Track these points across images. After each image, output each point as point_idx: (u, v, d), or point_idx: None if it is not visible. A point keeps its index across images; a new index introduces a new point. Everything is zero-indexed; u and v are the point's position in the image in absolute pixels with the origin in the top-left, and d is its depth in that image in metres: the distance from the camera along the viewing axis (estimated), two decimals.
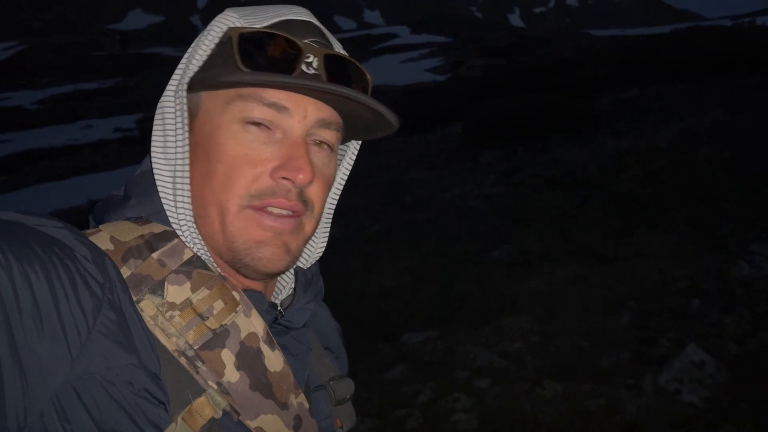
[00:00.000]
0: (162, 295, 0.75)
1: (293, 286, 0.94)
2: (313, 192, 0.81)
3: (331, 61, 0.80)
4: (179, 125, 0.80)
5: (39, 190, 17.84)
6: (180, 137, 0.80)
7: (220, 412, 0.74)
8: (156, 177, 0.82)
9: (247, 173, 0.77)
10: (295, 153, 0.78)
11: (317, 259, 0.95)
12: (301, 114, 0.79)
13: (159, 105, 0.82)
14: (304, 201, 0.80)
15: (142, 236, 0.79)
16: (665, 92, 12.72)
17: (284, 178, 0.77)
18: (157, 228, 0.80)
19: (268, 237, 0.78)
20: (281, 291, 0.94)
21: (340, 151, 0.95)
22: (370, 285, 6.34)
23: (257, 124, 0.78)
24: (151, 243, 0.78)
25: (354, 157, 0.96)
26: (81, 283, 0.68)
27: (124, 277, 0.74)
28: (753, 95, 10.94)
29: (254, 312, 0.80)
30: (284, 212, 0.79)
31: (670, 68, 13.67)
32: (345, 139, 0.91)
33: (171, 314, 0.75)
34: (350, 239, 7.83)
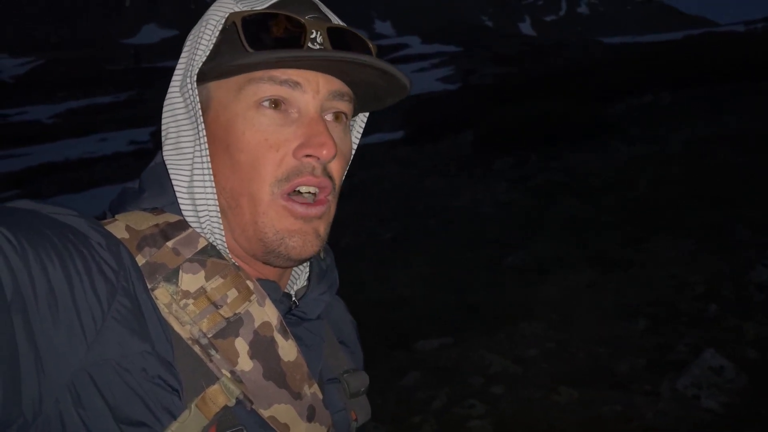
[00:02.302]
0: (176, 283, 0.75)
1: (308, 276, 0.93)
2: (335, 167, 0.82)
3: (334, 34, 0.80)
4: (193, 119, 0.80)
5: (56, 203, 18.04)
6: (199, 131, 0.80)
7: (234, 401, 0.74)
8: (170, 173, 0.82)
9: (272, 158, 0.77)
10: (314, 129, 0.78)
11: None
12: (313, 89, 0.79)
13: (166, 102, 0.82)
14: (329, 176, 0.80)
15: (157, 225, 0.79)
16: (679, 98, 12.66)
17: (308, 155, 0.78)
18: (172, 218, 0.81)
19: (300, 226, 0.79)
20: (296, 281, 0.94)
21: None
22: (383, 292, 6.33)
23: (273, 103, 0.78)
24: (166, 232, 0.79)
25: (362, 130, 0.96)
26: (96, 270, 0.68)
27: (139, 265, 0.74)
28: (767, 100, 10.86)
29: (268, 301, 0.80)
30: (312, 190, 0.79)
31: (684, 74, 13.62)
32: (354, 112, 0.91)
33: (185, 302, 0.75)
34: (363, 247, 7.83)
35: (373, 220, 8.94)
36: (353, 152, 0.93)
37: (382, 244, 8.08)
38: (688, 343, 4.39)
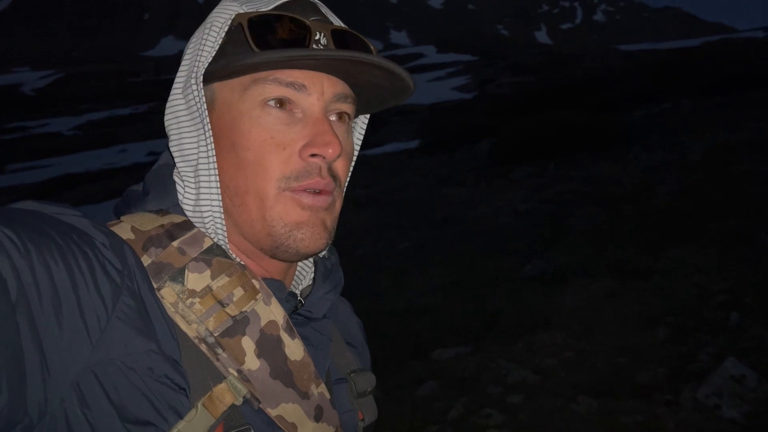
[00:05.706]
0: (182, 283, 0.75)
1: (313, 276, 0.93)
2: (339, 166, 0.82)
3: (337, 35, 0.81)
4: (197, 120, 0.80)
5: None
6: (206, 131, 0.80)
7: (241, 399, 0.74)
8: (174, 174, 0.83)
9: (278, 156, 0.78)
10: (320, 129, 0.78)
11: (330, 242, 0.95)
12: (318, 91, 0.80)
13: (168, 105, 0.83)
14: (333, 176, 0.81)
15: (162, 226, 0.79)
16: (698, 106, 12.55)
17: (313, 155, 0.78)
18: (177, 218, 0.81)
19: (307, 217, 0.79)
20: (301, 281, 0.94)
21: None
22: (400, 302, 6.31)
23: (278, 102, 0.78)
24: (171, 232, 0.79)
25: (363, 132, 0.96)
26: (100, 270, 0.68)
27: (145, 265, 0.75)
28: None
29: (274, 300, 0.80)
30: (318, 191, 0.80)
31: (703, 81, 13.51)
32: (355, 114, 0.91)
33: (191, 301, 0.75)
34: (381, 256, 7.83)
35: (390, 229, 8.94)
36: (356, 153, 0.94)
37: (400, 254, 8.07)
38: (709, 352, 4.33)
